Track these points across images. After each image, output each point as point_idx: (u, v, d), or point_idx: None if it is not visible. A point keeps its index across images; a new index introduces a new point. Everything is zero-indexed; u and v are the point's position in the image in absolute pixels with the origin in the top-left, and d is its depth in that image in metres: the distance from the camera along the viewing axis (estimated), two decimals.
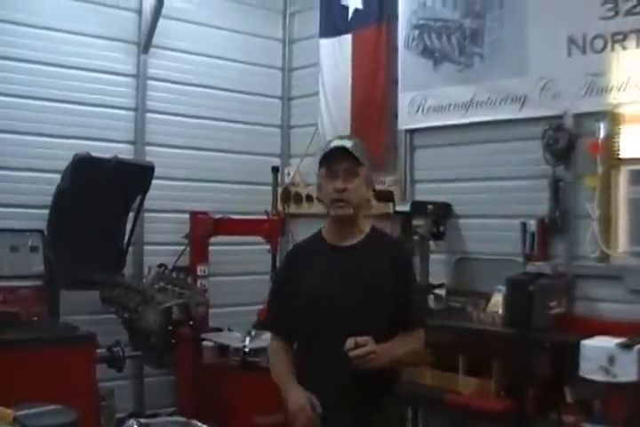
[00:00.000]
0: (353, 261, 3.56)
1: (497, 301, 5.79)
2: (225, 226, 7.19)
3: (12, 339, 5.52)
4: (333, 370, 3.38)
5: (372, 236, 3.68)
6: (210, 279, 7.26)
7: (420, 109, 6.83)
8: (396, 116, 7.09)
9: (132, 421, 3.42)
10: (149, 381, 7.29)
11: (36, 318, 6.02)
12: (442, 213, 6.49)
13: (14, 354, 5.34)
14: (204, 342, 6.56)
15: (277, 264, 6.48)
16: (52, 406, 4.14)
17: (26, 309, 6.02)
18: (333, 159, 3.53)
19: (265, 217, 7.06)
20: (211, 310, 7.00)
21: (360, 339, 3.27)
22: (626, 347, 4.72)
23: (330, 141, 3.67)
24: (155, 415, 6.94)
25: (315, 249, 3.73)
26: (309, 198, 7.83)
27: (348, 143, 3.56)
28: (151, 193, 6.89)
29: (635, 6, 5.39)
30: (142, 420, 3.51)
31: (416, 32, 6.88)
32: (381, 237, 3.80)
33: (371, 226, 3.74)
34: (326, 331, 3.45)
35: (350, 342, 3.26)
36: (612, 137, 5.50)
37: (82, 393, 5.52)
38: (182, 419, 3.58)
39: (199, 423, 3.45)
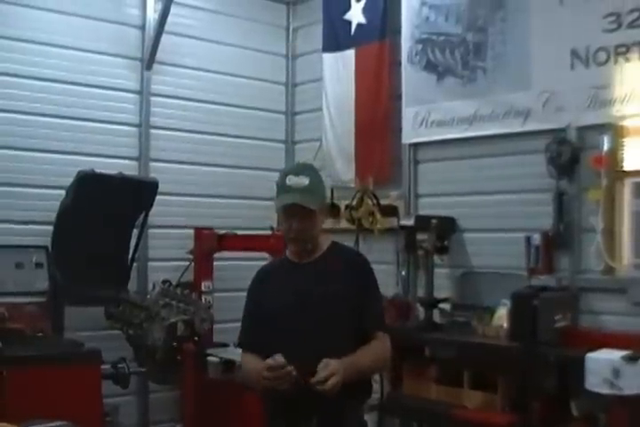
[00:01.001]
0: (309, 276, 3.71)
1: (502, 314, 5.76)
2: (229, 242, 7.19)
3: (16, 355, 5.50)
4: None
5: (330, 250, 3.84)
6: (214, 295, 7.26)
7: (424, 124, 6.84)
8: (399, 130, 7.09)
9: None
10: (154, 397, 7.27)
11: (40, 335, 6.01)
12: (446, 228, 6.47)
13: (19, 370, 5.33)
14: (209, 358, 6.56)
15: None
16: (58, 423, 4.15)
17: (31, 325, 6.01)
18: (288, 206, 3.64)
19: (269, 233, 7.05)
20: (215, 326, 7.00)
21: (325, 373, 3.33)
22: (631, 360, 4.70)
23: (286, 174, 3.70)
24: None
25: (278, 268, 3.95)
26: None
27: (304, 182, 3.63)
28: (155, 209, 6.87)
29: (637, 19, 5.39)
30: None
31: (419, 46, 6.90)
32: (339, 250, 3.93)
33: (331, 241, 3.89)
34: (288, 343, 3.53)
35: (317, 376, 3.33)
36: (615, 150, 5.48)
37: (87, 409, 5.51)
38: None
39: None
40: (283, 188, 3.66)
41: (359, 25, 7.48)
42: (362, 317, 3.65)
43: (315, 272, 3.71)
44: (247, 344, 3.87)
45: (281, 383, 3.37)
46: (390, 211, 6.97)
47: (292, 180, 3.63)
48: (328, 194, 7.55)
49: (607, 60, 5.56)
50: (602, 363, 4.78)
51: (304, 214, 3.61)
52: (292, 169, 3.82)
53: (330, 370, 3.32)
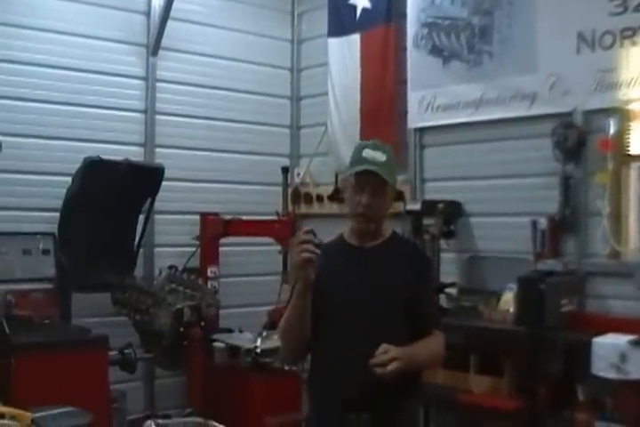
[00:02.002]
0: (369, 262, 3.55)
1: (508, 299, 5.76)
2: (235, 227, 7.18)
3: (24, 342, 5.51)
4: (352, 369, 3.34)
5: (391, 239, 3.68)
6: (220, 280, 7.24)
7: (430, 108, 6.82)
8: (405, 114, 7.08)
9: (149, 422, 3.41)
10: (161, 382, 7.30)
11: (48, 321, 6.02)
12: (452, 212, 6.47)
13: (27, 357, 5.35)
14: (215, 344, 6.58)
15: (288, 265, 6.50)
16: (68, 409, 4.17)
17: (38, 312, 6.01)
18: (363, 174, 3.48)
19: (275, 218, 7.05)
20: (221, 312, 7.01)
21: (387, 356, 3.21)
22: (637, 344, 4.71)
23: (363, 147, 3.55)
24: (167, 417, 6.98)
25: (335, 250, 3.67)
26: (320, 198, 7.83)
27: (381, 158, 3.48)
28: (161, 195, 6.88)
29: None
30: (160, 421, 3.49)
31: (425, 30, 6.87)
32: (401, 241, 3.81)
33: (392, 230, 3.74)
34: (343, 329, 3.44)
35: (377, 359, 3.21)
36: (622, 133, 5.47)
37: (94, 395, 5.53)
38: (200, 420, 3.56)
39: (216, 424, 3.43)
40: (358, 160, 3.51)
41: (364, 9, 7.44)
42: (418, 313, 3.53)
43: (375, 259, 3.57)
44: None
45: (306, 250, 3.24)
46: (396, 195, 6.93)
47: (368, 153, 3.49)
48: (332, 179, 7.58)
49: (613, 44, 5.54)
50: (608, 347, 4.80)
51: (376, 187, 3.47)
52: (370, 144, 3.61)
53: (391, 354, 3.22)
